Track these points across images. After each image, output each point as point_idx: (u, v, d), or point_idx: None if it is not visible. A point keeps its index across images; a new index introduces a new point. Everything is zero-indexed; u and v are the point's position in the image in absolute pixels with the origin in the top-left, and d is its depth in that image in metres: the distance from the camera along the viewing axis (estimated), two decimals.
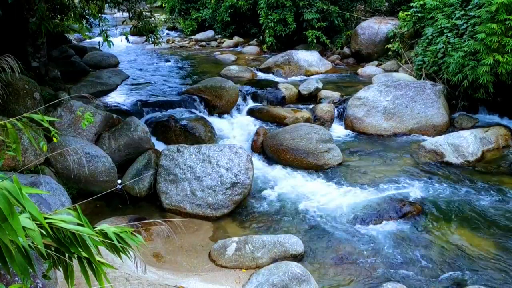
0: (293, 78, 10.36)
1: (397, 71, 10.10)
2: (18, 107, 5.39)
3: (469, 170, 6.31)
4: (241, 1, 14.23)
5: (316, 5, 12.37)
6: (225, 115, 8.10)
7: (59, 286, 3.09)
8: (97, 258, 1.69)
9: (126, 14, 7.76)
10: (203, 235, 4.91)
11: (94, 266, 1.69)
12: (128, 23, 8.22)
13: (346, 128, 7.94)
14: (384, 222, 5.04)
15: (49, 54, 8.76)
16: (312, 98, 8.83)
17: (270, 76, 10.48)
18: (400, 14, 10.69)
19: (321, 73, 10.78)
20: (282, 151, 6.51)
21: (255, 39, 14.48)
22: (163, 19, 18.72)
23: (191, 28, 16.64)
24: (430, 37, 8.87)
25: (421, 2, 9.67)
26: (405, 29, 10.57)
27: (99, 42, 7.10)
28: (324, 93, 8.81)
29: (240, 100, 8.42)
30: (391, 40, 10.90)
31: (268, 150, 6.75)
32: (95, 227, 1.72)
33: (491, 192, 5.66)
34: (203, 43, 15.02)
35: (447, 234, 4.83)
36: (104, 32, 6.54)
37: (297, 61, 10.83)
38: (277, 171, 6.37)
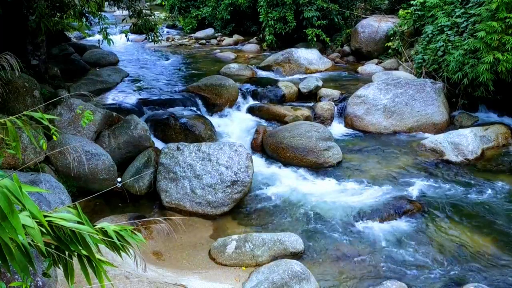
0: (293, 76, 10.33)
1: (397, 69, 10.09)
2: (17, 105, 5.38)
3: (469, 168, 6.31)
4: None
5: (316, 3, 12.34)
6: (225, 113, 8.09)
7: (59, 284, 3.09)
8: (97, 256, 1.70)
9: (125, 12, 7.75)
10: (203, 233, 4.91)
11: (94, 264, 1.69)
12: (128, 21, 8.22)
13: (346, 126, 7.93)
14: (383, 220, 5.05)
15: (49, 52, 8.76)
16: (312, 96, 8.82)
17: (270, 74, 10.46)
18: (400, 12, 10.68)
19: (321, 71, 10.77)
20: (282, 149, 6.51)
21: (255, 37, 14.45)
22: (163, 17, 18.67)
23: (191, 26, 16.60)
24: (430, 35, 8.86)
25: (421, 0, 9.65)
26: (405, 27, 10.56)
27: (98, 40, 7.09)
28: (324, 91, 8.80)
29: (240, 98, 8.41)
30: (391, 38, 10.88)
31: (268, 148, 6.75)
32: (95, 225, 1.72)
33: (491, 190, 5.66)
34: (203, 41, 14.99)
35: (447, 232, 4.83)
36: (103, 30, 6.53)
37: (297, 59, 10.82)
38: (277, 169, 6.37)
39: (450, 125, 7.80)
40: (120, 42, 10.61)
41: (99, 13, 6.80)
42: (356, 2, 13.65)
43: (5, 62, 2.70)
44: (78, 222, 1.62)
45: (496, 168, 6.32)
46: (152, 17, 8.25)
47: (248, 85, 9.06)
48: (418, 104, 7.73)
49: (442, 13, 8.78)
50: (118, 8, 8.00)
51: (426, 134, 7.42)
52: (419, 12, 9.87)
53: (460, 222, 5.01)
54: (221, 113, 8.06)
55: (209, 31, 15.81)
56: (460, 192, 5.62)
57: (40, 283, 2.80)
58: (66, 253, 1.67)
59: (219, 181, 5.28)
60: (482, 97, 7.60)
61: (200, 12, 16.75)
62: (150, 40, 7.73)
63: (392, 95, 7.82)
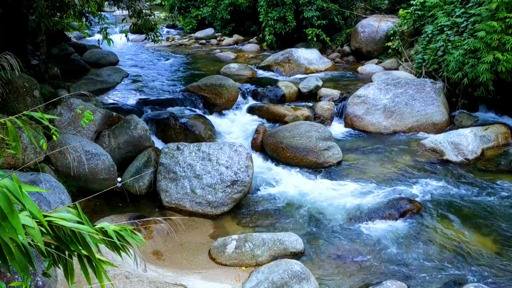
0: (293, 76, 10.34)
1: (397, 69, 10.09)
2: (17, 105, 5.38)
3: (469, 168, 6.31)
4: None
5: (316, 3, 12.34)
6: (225, 113, 8.09)
7: (59, 284, 3.09)
8: (97, 256, 1.70)
9: (125, 12, 7.74)
10: (203, 233, 4.91)
11: (94, 264, 1.69)
12: (128, 21, 8.21)
13: (346, 126, 7.93)
14: (383, 220, 5.05)
15: (49, 52, 8.75)
16: (312, 96, 8.82)
17: (270, 74, 10.46)
18: (400, 12, 10.68)
19: (321, 71, 10.77)
20: (282, 149, 6.51)
21: (255, 37, 14.45)
22: (162, 17, 18.67)
23: (190, 26, 16.60)
24: (430, 35, 8.86)
25: (421, 0, 9.65)
26: (405, 27, 10.56)
27: (98, 40, 7.08)
28: (324, 91, 8.80)
29: (240, 98, 8.41)
30: (391, 38, 10.88)
31: (268, 148, 6.75)
32: (95, 225, 1.72)
33: (491, 190, 5.66)
34: (203, 41, 14.99)
35: (447, 232, 4.83)
36: (103, 30, 6.52)
37: (297, 59, 10.82)
38: (277, 169, 6.37)
39: (450, 125, 7.80)
40: (120, 42, 10.62)
41: (99, 13, 6.79)
42: (356, 2, 13.65)
43: (5, 62, 2.70)
44: (78, 222, 1.62)
45: (496, 168, 6.32)
46: (152, 17, 8.25)
47: (248, 85, 9.06)
48: (418, 104, 7.72)
49: (442, 13, 8.78)
50: (118, 8, 8.00)
51: (426, 134, 7.42)
52: (419, 12, 9.87)
53: (460, 222, 5.00)
54: (221, 113, 8.06)
55: (209, 31, 15.80)
56: (460, 192, 5.62)
57: (40, 283, 2.80)
58: (66, 253, 1.67)
59: (219, 181, 5.28)
60: (482, 97, 7.60)
61: (200, 12, 16.75)
62: (150, 40, 7.73)
63: (392, 95, 7.82)
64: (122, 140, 5.91)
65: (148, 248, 4.43)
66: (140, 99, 8.04)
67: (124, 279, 3.33)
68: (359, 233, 4.84)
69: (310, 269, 4.01)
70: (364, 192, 5.64)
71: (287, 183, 5.91)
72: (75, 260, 1.71)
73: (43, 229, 1.53)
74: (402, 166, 6.35)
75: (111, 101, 7.98)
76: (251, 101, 8.64)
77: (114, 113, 6.41)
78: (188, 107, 7.90)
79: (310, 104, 8.41)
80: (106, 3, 7.95)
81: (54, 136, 2.25)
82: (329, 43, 12.71)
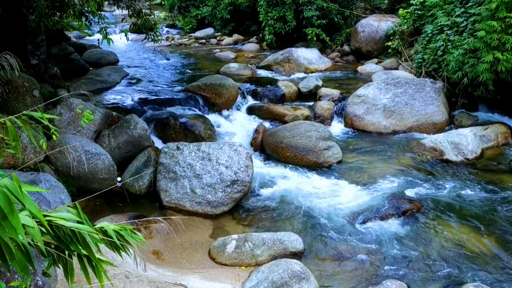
0: (293, 75, 10.34)
1: (397, 68, 10.09)
2: (17, 105, 5.38)
3: (469, 167, 6.31)
4: None
5: (316, 2, 12.34)
6: (225, 113, 8.09)
7: (59, 284, 3.09)
8: (97, 255, 1.70)
9: (125, 12, 7.74)
10: (202, 232, 4.91)
11: (94, 264, 1.69)
12: (128, 20, 8.21)
13: (345, 126, 7.93)
14: (383, 219, 5.05)
15: (49, 51, 8.75)
16: (311, 95, 8.81)
17: (270, 74, 10.45)
18: (400, 11, 10.67)
19: (321, 70, 10.76)
20: (281, 149, 6.51)
21: (255, 37, 14.45)
22: (162, 17, 18.67)
23: (190, 26, 16.60)
24: (430, 35, 8.86)
25: (421, 0, 9.65)
26: (405, 27, 10.55)
27: (98, 40, 7.06)
28: (323, 90, 8.80)
29: (239, 98, 8.41)
30: (391, 37, 10.88)
31: (267, 148, 6.75)
32: (95, 225, 1.72)
33: (491, 189, 5.67)
34: (203, 41, 14.99)
35: (447, 231, 4.83)
36: (103, 29, 6.52)
37: (297, 58, 10.81)
38: (277, 168, 6.37)
39: (450, 124, 7.80)
40: (120, 42, 10.62)
41: (99, 12, 6.79)
42: (356, 2, 13.64)
43: (4, 61, 2.69)
44: (78, 222, 1.62)
45: (496, 168, 6.32)
46: (152, 16, 8.25)
47: (248, 85, 9.05)
48: (418, 103, 7.73)
49: (442, 13, 8.78)
50: (117, 8, 8.00)
51: (426, 134, 7.41)
52: (419, 12, 9.87)
53: (459, 221, 5.01)
54: (221, 113, 8.06)
55: (209, 30, 15.80)
56: (459, 192, 5.62)
57: (40, 283, 2.80)
58: (66, 252, 1.67)
59: (219, 180, 5.28)
60: (482, 97, 7.60)
61: (200, 12, 16.75)
62: (150, 40, 7.72)
63: (392, 95, 7.82)
64: (122, 140, 5.91)
65: (148, 248, 4.43)
66: (140, 98, 8.03)
67: (124, 279, 3.33)
68: (359, 232, 4.84)
69: (310, 269, 4.01)
70: (364, 192, 5.64)
71: (286, 183, 5.91)
72: (75, 260, 1.71)
73: (43, 229, 1.53)
74: (401, 165, 6.35)
75: (111, 100, 7.97)
76: (251, 101, 8.64)
77: (114, 113, 6.41)
78: (188, 107, 7.89)
79: (310, 104, 8.41)
80: (106, 2, 7.96)
81: (54, 136, 2.25)
82: (329, 43, 12.70)
